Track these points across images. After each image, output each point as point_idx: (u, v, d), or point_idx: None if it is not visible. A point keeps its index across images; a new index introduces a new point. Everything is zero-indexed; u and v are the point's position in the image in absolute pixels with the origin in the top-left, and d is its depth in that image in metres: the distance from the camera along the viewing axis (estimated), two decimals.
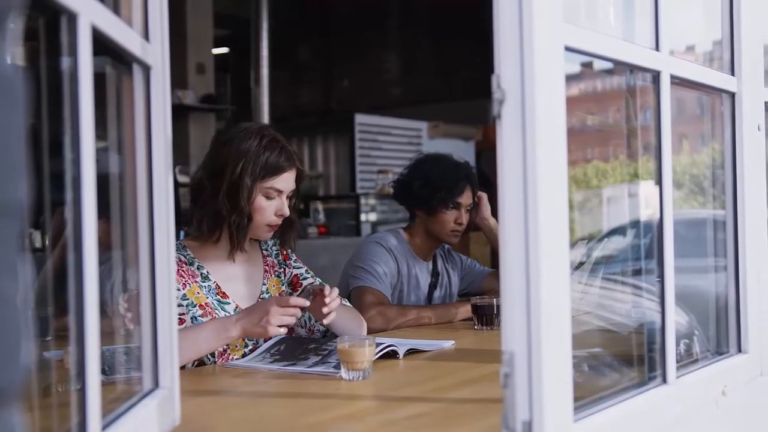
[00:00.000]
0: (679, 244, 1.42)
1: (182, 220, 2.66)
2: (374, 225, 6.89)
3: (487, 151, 7.51)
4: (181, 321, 1.96)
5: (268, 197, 2.07)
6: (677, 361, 1.42)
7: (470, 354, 2.14)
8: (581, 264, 1.75)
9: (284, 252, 2.28)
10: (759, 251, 1.69)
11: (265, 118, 6.66)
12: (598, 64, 1.42)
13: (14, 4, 0.53)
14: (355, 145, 7.56)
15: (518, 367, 1.06)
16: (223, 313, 2.05)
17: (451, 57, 8.59)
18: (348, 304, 2.36)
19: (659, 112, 1.40)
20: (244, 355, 2.03)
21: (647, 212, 1.72)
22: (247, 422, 1.51)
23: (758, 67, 1.72)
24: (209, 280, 2.08)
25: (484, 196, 2.87)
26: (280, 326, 1.85)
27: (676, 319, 1.43)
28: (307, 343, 2.00)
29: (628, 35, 1.59)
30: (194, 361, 1.94)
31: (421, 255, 2.84)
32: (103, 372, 1.02)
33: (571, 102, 1.14)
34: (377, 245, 2.74)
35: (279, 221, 2.10)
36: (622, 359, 1.55)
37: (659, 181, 1.41)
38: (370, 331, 2.47)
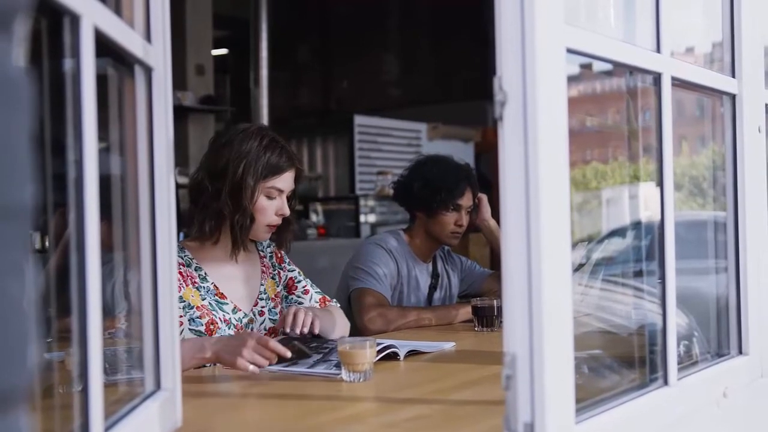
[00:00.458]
0: (679, 245, 1.42)
1: (181, 221, 2.66)
2: (373, 226, 6.88)
3: (486, 152, 7.51)
4: (179, 323, 1.96)
5: (270, 197, 2.08)
6: (677, 363, 1.42)
7: (471, 355, 2.14)
8: (581, 266, 1.75)
9: (278, 254, 2.29)
10: (759, 253, 1.69)
11: (265, 119, 6.66)
12: (597, 66, 1.42)
13: (20, 6, 0.53)
14: (355, 147, 7.55)
15: (520, 368, 1.06)
16: (221, 314, 2.06)
17: (450, 58, 8.60)
18: (335, 304, 2.36)
19: (660, 113, 1.40)
20: None
21: (647, 214, 1.72)
22: (248, 424, 1.51)
23: (759, 68, 1.72)
24: (207, 281, 2.08)
25: (484, 197, 2.87)
26: (250, 362, 1.74)
27: (676, 320, 1.43)
28: (308, 342, 2.00)
29: (629, 36, 1.59)
30: None
31: (421, 256, 2.84)
32: (104, 372, 1.02)
33: (570, 103, 1.14)
34: (377, 247, 2.74)
35: (279, 221, 2.12)
36: (622, 361, 1.55)
37: (660, 183, 1.41)
38: (370, 333, 2.47)
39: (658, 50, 1.40)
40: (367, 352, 1.72)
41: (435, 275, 2.89)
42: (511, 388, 1.07)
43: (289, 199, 2.14)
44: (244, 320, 2.11)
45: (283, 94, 8.31)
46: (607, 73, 1.59)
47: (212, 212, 2.05)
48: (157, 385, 1.27)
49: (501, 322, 2.44)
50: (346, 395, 1.66)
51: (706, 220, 1.84)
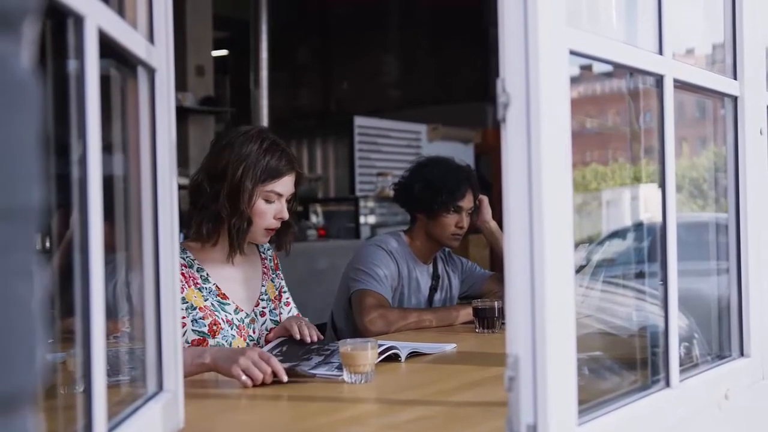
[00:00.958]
0: (679, 247, 1.43)
1: (181, 222, 2.65)
2: (373, 227, 6.88)
3: (486, 153, 7.51)
4: (182, 324, 1.95)
5: (268, 201, 2.07)
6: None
7: (472, 357, 2.14)
8: (582, 267, 1.76)
9: (276, 260, 2.29)
10: (761, 255, 1.69)
11: (265, 120, 6.66)
12: (597, 67, 1.43)
13: (29, 8, 0.53)
14: (355, 148, 7.54)
15: (523, 370, 1.06)
16: (223, 314, 2.06)
17: (450, 59, 8.60)
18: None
19: (662, 115, 1.40)
20: None
21: (647, 215, 1.72)
22: (250, 425, 1.51)
23: (761, 70, 1.73)
24: (209, 282, 2.08)
25: (485, 199, 2.87)
26: (245, 373, 1.70)
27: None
28: (310, 344, 2.00)
29: (630, 38, 1.59)
30: None
31: (422, 258, 2.84)
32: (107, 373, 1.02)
33: (570, 104, 1.14)
34: (378, 248, 2.74)
35: (278, 225, 2.11)
36: (624, 363, 1.56)
37: (662, 185, 1.41)
38: (371, 334, 2.47)
39: (660, 52, 1.40)
40: (368, 353, 1.72)
41: (435, 277, 2.89)
42: (514, 389, 1.07)
43: (289, 202, 2.13)
44: (246, 320, 2.11)
45: (283, 95, 8.32)
46: (607, 75, 1.59)
47: (210, 214, 2.05)
48: (160, 387, 1.27)
49: (502, 323, 2.44)
50: (348, 396, 1.66)
51: (705, 222, 1.84)
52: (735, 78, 1.67)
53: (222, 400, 1.70)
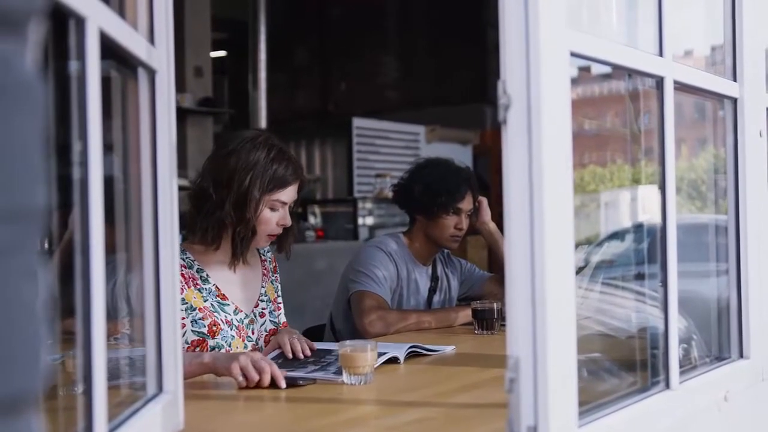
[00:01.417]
0: (678, 248, 1.43)
1: (181, 223, 2.65)
2: (372, 229, 6.87)
3: (483, 155, 7.52)
4: (182, 325, 1.95)
5: (273, 209, 2.07)
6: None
7: (471, 358, 2.14)
8: (581, 269, 1.76)
9: (274, 263, 2.29)
10: (760, 257, 1.70)
11: (263, 122, 6.66)
12: (595, 69, 1.43)
13: (34, 9, 0.52)
14: (353, 149, 7.54)
15: (523, 372, 1.06)
16: (223, 315, 2.05)
17: (448, 61, 8.60)
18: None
19: (662, 117, 1.41)
20: None
21: (646, 217, 1.72)
22: (249, 427, 1.50)
23: (760, 72, 1.73)
24: (209, 282, 2.08)
25: (484, 200, 2.87)
26: (243, 370, 1.70)
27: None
28: (305, 358, 1.99)
29: (631, 40, 1.59)
30: None
31: (421, 259, 2.84)
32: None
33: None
34: (377, 249, 2.74)
35: (280, 231, 2.11)
36: (624, 364, 1.56)
37: (662, 186, 1.41)
38: (370, 336, 2.47)
39: (661, 54, 1.40)
40: (368, 354, 1.72)
41: (434, 278, 2.89)
42: (515, 391, 1.07)
43: (290, 207, 2.13)
44: (245, 321, 2.11)
45: (281, 96, 8.31)
46: (605, 76, 1.59)
47: (215, 221, 2.04)
48: (160, 388, 1.27)
49: (501, 325, 2.44)
50: (347, 398, 1.66)
51: (704, 224, 1.84)
52: (735, 80, 1.68)
53: (222, 401, 1.70)
